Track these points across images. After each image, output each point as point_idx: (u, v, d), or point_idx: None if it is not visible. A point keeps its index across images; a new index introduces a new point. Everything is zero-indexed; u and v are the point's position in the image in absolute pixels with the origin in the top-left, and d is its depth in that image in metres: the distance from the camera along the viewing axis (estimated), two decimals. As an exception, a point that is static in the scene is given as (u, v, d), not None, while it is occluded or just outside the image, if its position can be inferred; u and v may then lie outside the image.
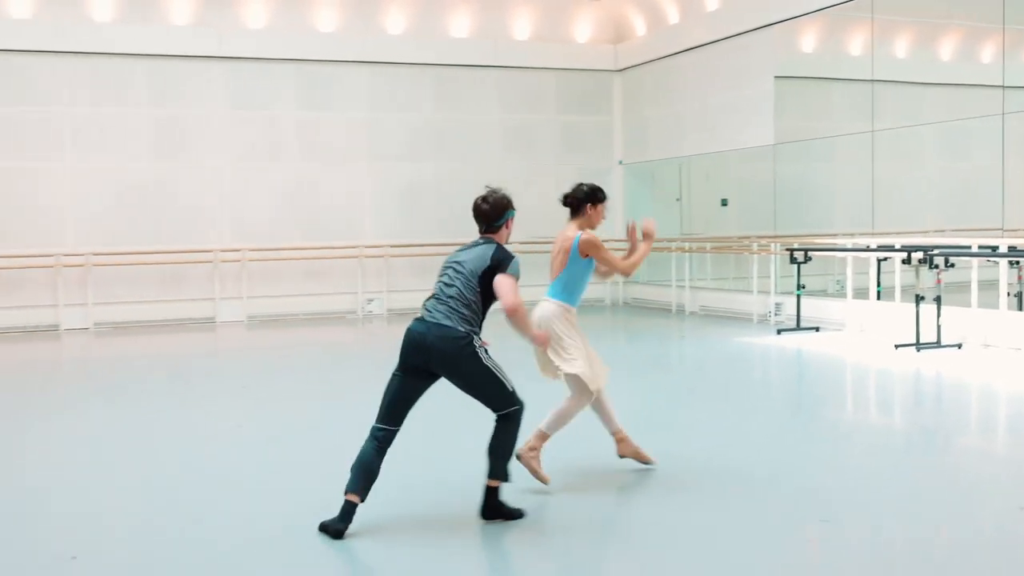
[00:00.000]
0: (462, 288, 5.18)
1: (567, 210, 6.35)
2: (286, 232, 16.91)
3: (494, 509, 5.26)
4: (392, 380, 5.18)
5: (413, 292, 16.96)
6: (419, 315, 5.23)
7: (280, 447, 7.29)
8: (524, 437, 5.63)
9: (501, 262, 5.24)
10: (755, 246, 15.57)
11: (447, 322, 5.11)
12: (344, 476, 5.09)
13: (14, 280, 15.53)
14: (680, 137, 17.49)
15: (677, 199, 18.11)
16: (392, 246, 16.95)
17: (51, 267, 15.63)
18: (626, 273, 6.41)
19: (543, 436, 5.98)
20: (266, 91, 16.86)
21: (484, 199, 5.47)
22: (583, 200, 6.33)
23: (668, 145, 17.84)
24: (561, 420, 6.05)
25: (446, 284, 5.23)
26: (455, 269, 5.26)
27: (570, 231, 6.22)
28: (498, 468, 5.27)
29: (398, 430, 5.16)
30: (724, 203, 16.99)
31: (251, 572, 4.69)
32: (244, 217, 16.72)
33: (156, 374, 11.53)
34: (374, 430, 5.13)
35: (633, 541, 5.09)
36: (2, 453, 7.34)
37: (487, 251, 5.29)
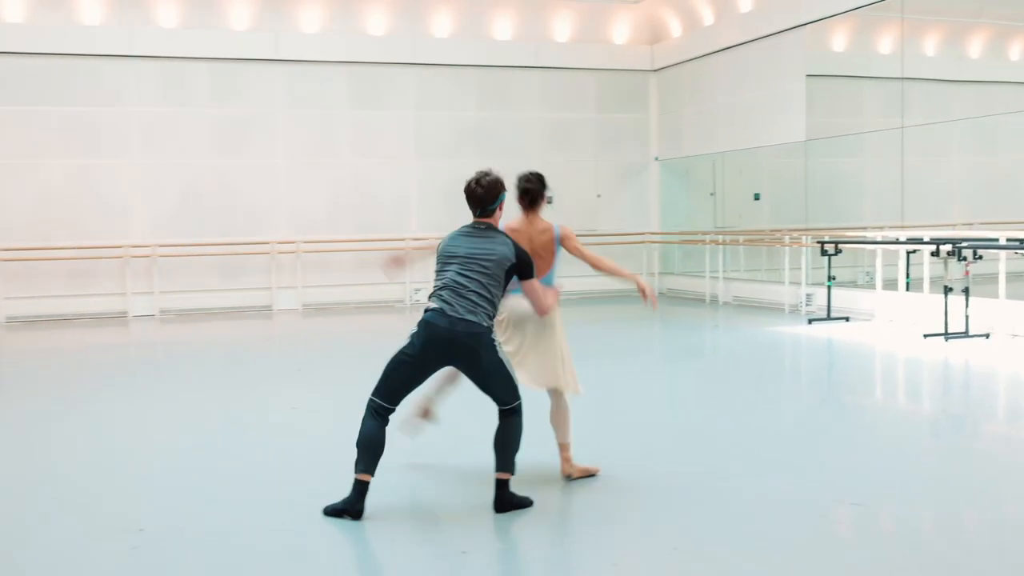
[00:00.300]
0: (486, 283, 4.98)
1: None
2: (339, 225, 16.98)
3: (506, 501, 5.08)
4: (402, 365, 4.95)
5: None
6: (434, 306, 4.97)
7: (333, 427, 7.30)
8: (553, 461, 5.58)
9: (526, 264, 5.10)
10: (787, 239, 15.37)
11: (472, 317, 4.92)
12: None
13: (86, 270, 15.75)
14: (714, 134, 17.31)
15: (711, 194, 17.94)
16: (438, 238, 16.90)
17: (120, 258, 15.83)
18: (596, 265, 5.82)
19: (566, 447, 5.68)
20: (320, 92, 16.92)
21: (478, 182, 5.14)
22: (543, 189, 5.70)
23: (702, 141, 17.67)
24: (567, 421, 5.70)
25: (464, 276, 4.98)
26: (478, 263, 5.00)
27: (540, 224, 5.64)
28: (507, 461, 5.09)
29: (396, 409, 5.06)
30: (757, 197, 16.80)
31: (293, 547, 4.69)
32: (299, 211, 16.82)
33: (217, 358, 11.62)
34: (377, 407, 4.95)
35: (670, 524, 5.02)
36: (75, 431, 7.43)
37: (506, 248, 5.05)
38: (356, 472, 4.94)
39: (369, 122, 17.23)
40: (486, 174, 5.18)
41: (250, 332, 14.40)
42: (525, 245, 5.39)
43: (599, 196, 18.42)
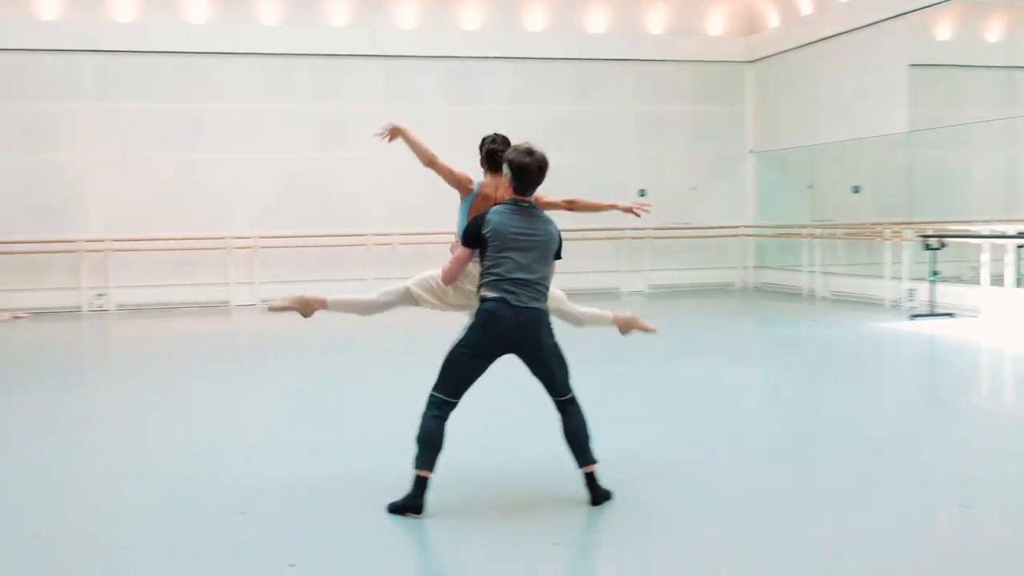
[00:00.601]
0: (543, 268, 4.87)
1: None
2: (434, 217, 17.02)
3: (601, 493, 4.98)
4: (463, 358, 4.84)
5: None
6: (495, 295, 4.79)
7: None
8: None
9: (561, 243, 5.01)
10: (888, 232, 14.89)
11: (536, 304, 4.83)
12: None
13: (191, 260, 16.20)
14: (813, 125, 16.88)
15: (808, 186, 17.49)
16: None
17: (222, 249, 16.23)
18: (571, 207, 5.47)
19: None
20: (415, 86, 17.04)
21: (537, 160, 4.84)
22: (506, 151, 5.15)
23: (800, 133, 17.25)
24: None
25: (526, 263, 4.82)
26: (537, 247, 4.84)
27: (503, 187, 5.10)
28: (588, 452, 4.98)
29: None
30: (856, 190, 16.31)
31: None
32: (395, 204, 16.99)
33: (318, 345, 11.78)
34: (440, 403, 4.85)
35: (765, 520, 4.89)
36: (179, 413, 7.61)
37: (554, 227, 4.92)
38: (416, 468, 4.85)
39: (463, 116, 17.29)
40: (531, 149, 4.90)
41: (349, 320, 14.56)
42: (495, 199, 5.24)
43: (693, 189, 18.15)
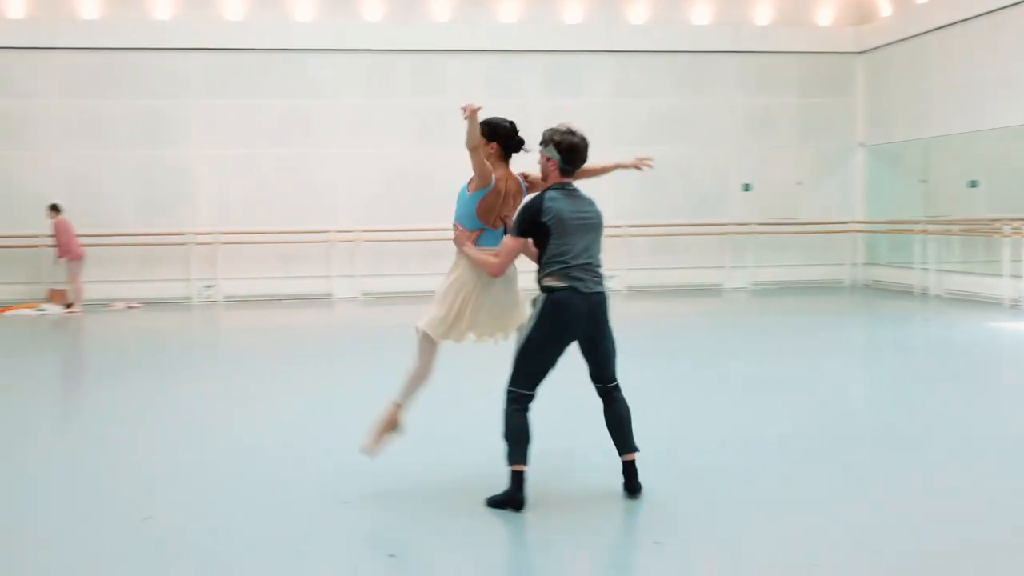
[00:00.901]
0: (599, 250, 4.97)
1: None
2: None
3: (638, 484, 4.97)
4: (540, 351, 4.84)
5: (650, 270, 16.83)
6: (562, 284, 4.78)
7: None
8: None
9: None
10: (1007, 228, 14.28)
11: (601, 288, 4.92)
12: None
13: (295, 254, 16.57)
14: (926, 118, 16.30)
15: (922, 181, 16.90)
16: (631, 226, 16.77)
17: (325, 242, 16.56)
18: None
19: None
20: (517, 81, 17.06)
21: (579, 136, 4.95)
22: None
23: (914, 126, 16.67)
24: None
25: (587, 247, 4.87)
26: (594, 230, 4.92)
27: (510, 172, 5.31)
28: (631, 439, 4.99)
29: None
30: (973, 184, 15.67)
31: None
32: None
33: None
34: (518, 397, 4.84)
35: (873, 529, 4.73)
36: (285, 402, 7.77)
37: (600, 209, 5.00)
38: (511, 464, 4.85)
39: (564, 110, 17.12)
40: (572, 128, 5.00)
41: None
42: (513, 194, 5.24)
43: (800, 183, 17.74)
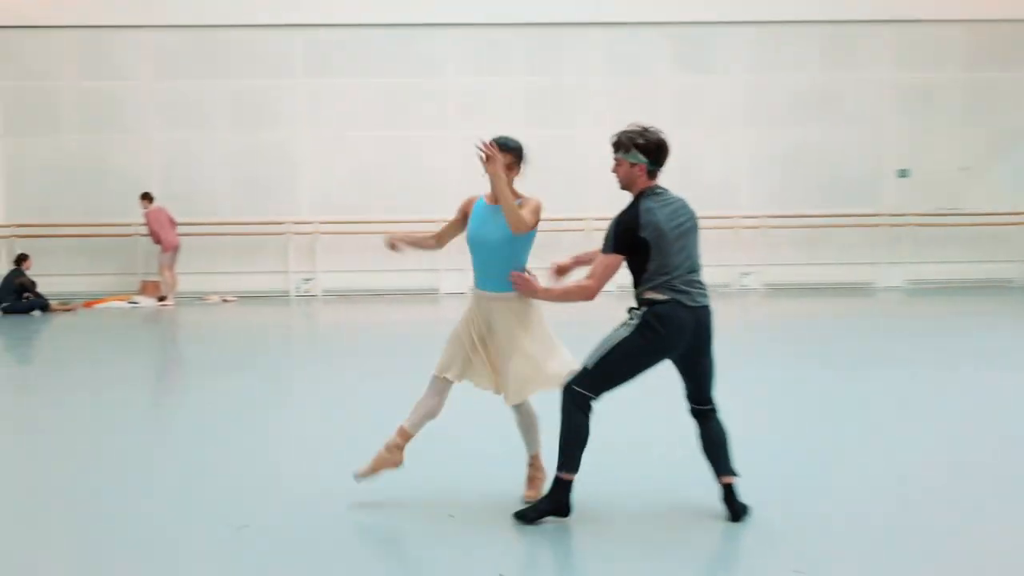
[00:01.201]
0: (698, 254, 4.99)
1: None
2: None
3: (739, 507, 4.94)
4: (628, 361, 4.85)
5: (792, 266, 16.47)
6: (666, 298, 4.80)
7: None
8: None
9: None
10: None
11: (707, 301, 4.93)
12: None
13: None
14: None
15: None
16: (770, 216, 16.44)
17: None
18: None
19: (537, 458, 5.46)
20: (641, 56, 16.93)
21: (657, 131, 5.13)
22: None
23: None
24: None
25: (688, 256, 4.92)
26: (693, 235, 4.97)
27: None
28: (729, 462, 4.99)
29: None
30: None
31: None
32: (614, 185, 16.90)
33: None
34: (585, 400, 4.89)
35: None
36: (383, 403, 7.86)
37: (692, 209, 5.03)
38: (562, 472, 4.90)
39: (694, 87, 17.01)
40: (646, 126, 5.18)
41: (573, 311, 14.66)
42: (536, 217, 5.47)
43: (965, 169, 17.13)
